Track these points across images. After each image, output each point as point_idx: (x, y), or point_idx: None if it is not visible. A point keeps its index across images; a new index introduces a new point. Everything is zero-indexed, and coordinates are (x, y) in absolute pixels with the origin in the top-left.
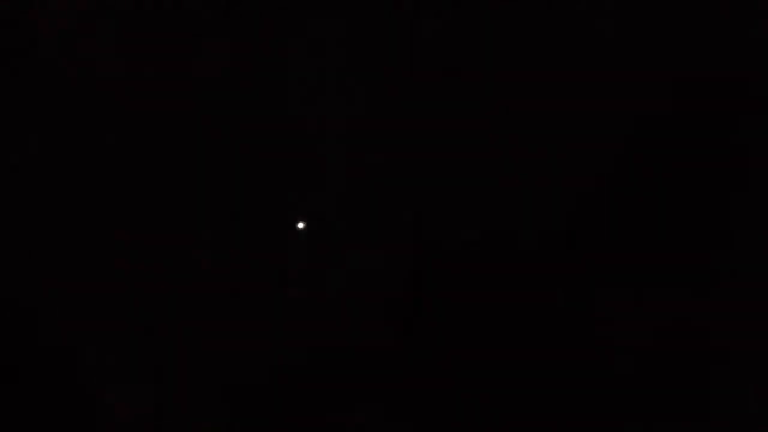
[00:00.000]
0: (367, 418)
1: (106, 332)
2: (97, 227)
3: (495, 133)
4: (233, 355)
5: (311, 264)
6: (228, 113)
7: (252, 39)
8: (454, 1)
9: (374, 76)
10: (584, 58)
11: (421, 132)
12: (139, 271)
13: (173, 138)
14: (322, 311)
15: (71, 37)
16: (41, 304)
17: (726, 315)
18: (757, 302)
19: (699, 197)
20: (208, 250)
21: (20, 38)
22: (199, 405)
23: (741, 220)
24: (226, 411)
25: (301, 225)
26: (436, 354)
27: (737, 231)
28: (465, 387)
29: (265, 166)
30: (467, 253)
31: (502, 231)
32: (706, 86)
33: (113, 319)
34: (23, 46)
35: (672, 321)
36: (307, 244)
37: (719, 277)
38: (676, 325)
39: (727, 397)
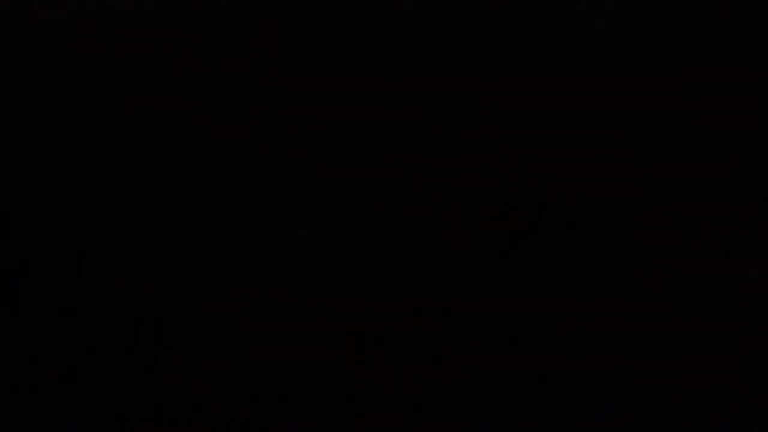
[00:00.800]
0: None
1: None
2: (95, 228)
3: (495, 132)
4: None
5: (307, 264)
6: (227, 113)
7: (252, 39)
8: (454, 1)
9: (374, 75)
10: (584, 58)
11: (421, 131)
12: (133, 271)
13: (173, 138)
14: (318, 311)
15: (71, 37)
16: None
17: (726, 315)
18: (757, 302)
19: (698, 197)
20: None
21: (20, 38)
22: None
23: (741, 221)
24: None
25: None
26: (434, 354)
27: (737, 231)
28: (463, 387)
29: (265, 166)
30: (466, 253)
31: (502, 231)
32: (706, 86)
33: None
34: (23, 46)
35: (670, 320)
36: (305, 245)
37: (719, 276)
38: (674, 325)
39: (728, 397)
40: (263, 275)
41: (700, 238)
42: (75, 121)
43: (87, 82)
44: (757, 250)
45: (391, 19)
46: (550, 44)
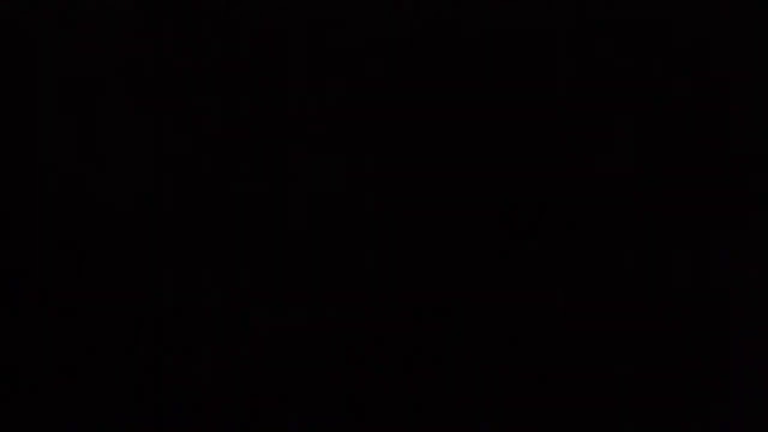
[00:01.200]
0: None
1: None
2: (95, 228)
3: (496, 133)
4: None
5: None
6: (227, 113)
7: (252, 39)
8: (454, 1)
9: (374, 75)
10: (584, 58)
11: (421, 131)
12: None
13: (173, 138)
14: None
15: (71, 37)
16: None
17: (726, 315)
18: (757, 302)
19: (698, 197)
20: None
21: (20, 38)
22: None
23: (741, 221)
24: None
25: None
26: (431, 356)
27: (737, 231)
28: (463, 387)
29: (265, 166)
30: (466, 252)
31: (502, 231)
32: (706, 86)
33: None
34: (23, 46)
35: (670, 320)
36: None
37: (719, 276)
38: (674, 325)
39: (728, 397)
40: (263, 275)
41: (700, 238)
42: (75, 121)
43: (87, 82)
44: (757, 250)
45: (391, 19)
46: (550, 44)
